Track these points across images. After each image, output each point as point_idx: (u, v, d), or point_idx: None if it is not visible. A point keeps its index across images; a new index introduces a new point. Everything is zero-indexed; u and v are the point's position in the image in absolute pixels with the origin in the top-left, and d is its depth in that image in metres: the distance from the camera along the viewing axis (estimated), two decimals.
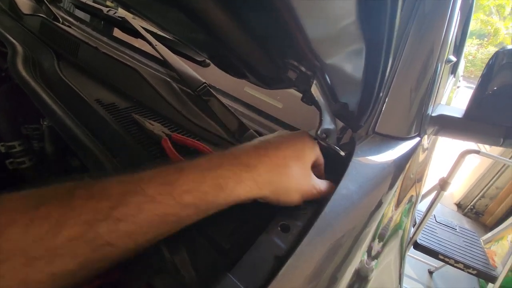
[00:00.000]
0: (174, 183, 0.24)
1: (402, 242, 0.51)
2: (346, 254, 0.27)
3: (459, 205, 2.47)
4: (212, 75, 0.60)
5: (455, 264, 1.29)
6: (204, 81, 0.53)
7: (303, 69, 0.23)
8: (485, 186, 2.25)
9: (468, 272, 1.27)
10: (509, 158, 1.80)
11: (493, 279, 1.22)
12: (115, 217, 0.21)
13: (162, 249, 0.30)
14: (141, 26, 0.66)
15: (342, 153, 0.34)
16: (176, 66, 0.56)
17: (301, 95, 0.31)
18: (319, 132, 0.34)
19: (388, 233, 0.39)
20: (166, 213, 0.24)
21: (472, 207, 2.35)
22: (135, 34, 0.70)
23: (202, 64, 0.62)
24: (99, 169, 0.41)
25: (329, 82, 0.26)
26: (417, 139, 0.51)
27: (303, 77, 0.24)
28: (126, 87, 0.57)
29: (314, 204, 0.33)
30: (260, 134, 0.51)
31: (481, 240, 1.47)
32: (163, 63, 0.62)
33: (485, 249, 1.39)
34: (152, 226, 0.23)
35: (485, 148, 2.22)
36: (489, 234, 1.66)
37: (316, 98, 0.28)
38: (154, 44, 0.62)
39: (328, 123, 0.34)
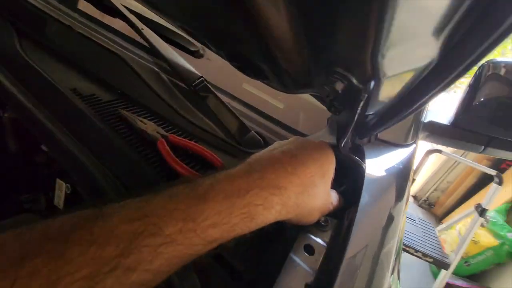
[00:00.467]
0: (198, 217, 0.20)
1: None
2: (379, 276, 0.26)
3: (415, 197, 2.70)
4: (205, 68, 0.55)
5: (415, 253, 1.40)
6: (200, 75, 0.48)
7: (354, 81, 0.21)
8: (438, 180, 2.49)
9: (426, 260, 1.40)
10: (460, 156, 1.99)
11: (446, 266, 1.36)
12: (125, 266, 0.17)
13: (170, 275, 0.26)
14: (123, 5, 0.58)
15: (364, 166, 0.33)
16: (168, 56, 0.50)
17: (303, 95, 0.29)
18: (343, 144, 0.32)
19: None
20: (187, 253, 0.20)
21: (426, 199, 2.59)
22: (114, 13, 0.61)
23: (195, 54, 0.57)
24: (82, 174, 0.35)
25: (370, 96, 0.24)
26: (414, 145, 0.52)
27: (352, 90, 0.21)
28: (107, 76, 0.49)
29: (331, 218, 0.32)
30: (261, 136, 0.48)
31: (437, 231, 1.62)
32: (150, 50, 0.55)
33: (439, 239, 1.54)
34: (169, 269, 0.19)
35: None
36: (444, 225, 1.85)
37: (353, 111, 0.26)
38: (140, 28, 0.54)
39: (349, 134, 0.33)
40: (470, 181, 2.28)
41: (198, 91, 0.47)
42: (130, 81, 0.49)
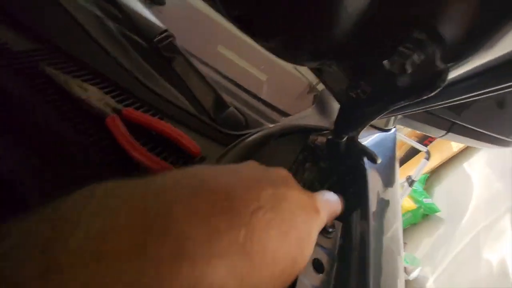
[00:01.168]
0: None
1: None
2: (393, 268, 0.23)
3: None
4: (168, 22, 0.42)
5: None
6: (165, 27, 0.37)
7: (438, 56, 0.14)
8: None
9: None
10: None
11: None
12: None
13: None
14: None
15: (379, 160, 0.29)
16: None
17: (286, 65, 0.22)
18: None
19: None
20: None
21: None
22: None
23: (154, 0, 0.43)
24: None
25: None
26: (395, 129, 0.51)
27: (428, 71, 0.15)
28: (23, 15, 0.33)
29: (336, 221, 0.28)
30: (241, 113, 0.40)
31: None
32: None
33: None
34: None
35: None
36: None
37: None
38: None
39: None
40: (399, 154, 2.60)
41: (161, 50, 0.35)
42: (59, 27, 0.34)
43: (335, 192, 0.25)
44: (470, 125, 0.57)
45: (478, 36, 0.13)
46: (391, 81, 0.18)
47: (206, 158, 0.32)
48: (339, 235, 0.26)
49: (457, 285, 1.57)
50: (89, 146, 0.27)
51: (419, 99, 0.17)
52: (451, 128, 0.60)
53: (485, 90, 0.17)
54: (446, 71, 0.15)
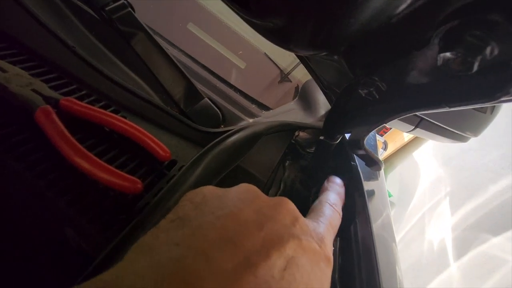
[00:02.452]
0: None
1: None
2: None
3: None
4: None
5: None
6: None
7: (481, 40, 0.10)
8: None
9: None
10: None
11: None
12: None
13: None
14: None
15: (383, 166, 0.26)
16: None
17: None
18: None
19: None
20: None
21: None
22: None
23: None
24: None
25: None
26: None
27: (496, 67, 0.11)
28: None
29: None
30: (218, 107, 0.34)
31: None
32: None
33: None
34: None
35: None
36: None
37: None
38: None
39: None
40: None
41: (116, 23, 0.27)
42: None
43: None
44: (436, 121, 0.59)
45: None
46: (423, 79, 0.14)
47: (177, 162, 0.26)
48: (337, 253, 0.23)
49: (403, 262, 1.75)
50: (8, 151, 0.19)
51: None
52: (419, 123, 0.62)
53: None
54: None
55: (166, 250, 0.10)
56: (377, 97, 0.18)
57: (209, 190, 0.14)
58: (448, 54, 0.12)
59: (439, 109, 0.16)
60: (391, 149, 2.32)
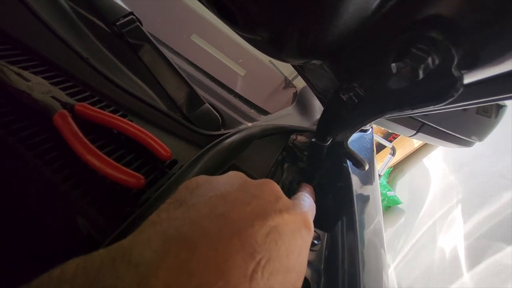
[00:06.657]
0: None
1: None
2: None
3: None
4: (134, 7, 0.37)
5: None
6: (130, 10, 0.32)
7: (455, 61, 0.12)
8: None
9: None
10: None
11: None
12: None
13: None
14: None
15: (367, 166, 0.27)
16: None
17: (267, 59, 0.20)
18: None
19: None
20: None
21: None
22: None
23: None
24: None
25: None
26: (371, 129, 0.51)
27: (442, 75, 0.13)
28: None
29: (320, 231, 0.26)
30: (218, 112, 0.37)
31: None
32: None
33: None
34: None
35: None
36: None
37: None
38: None
39: None
40: None
41: (125, 36, 0.31)
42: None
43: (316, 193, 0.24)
44: (437, 126, 0.60)
45: (504, 40, 0.12)
46: (393, 85, 0.16)
47: (177, 161, 0.28)
48: (324, 247, 0.25)
49: (413, 270, 1.70)
50: (30, 149, 0.22)
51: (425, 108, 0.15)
52: (421, 128, 0.62)
53: (491, 98, 0.16)
54: (461, 80, 0.13)
55: (167, 223, 0.12)
56: (356, 101, 0.20)
57: (202, 178, 0.17)
58: (400, 63, 0.13)
59: (404, 112, 0.17)
60: (400, 155, 2.29)
